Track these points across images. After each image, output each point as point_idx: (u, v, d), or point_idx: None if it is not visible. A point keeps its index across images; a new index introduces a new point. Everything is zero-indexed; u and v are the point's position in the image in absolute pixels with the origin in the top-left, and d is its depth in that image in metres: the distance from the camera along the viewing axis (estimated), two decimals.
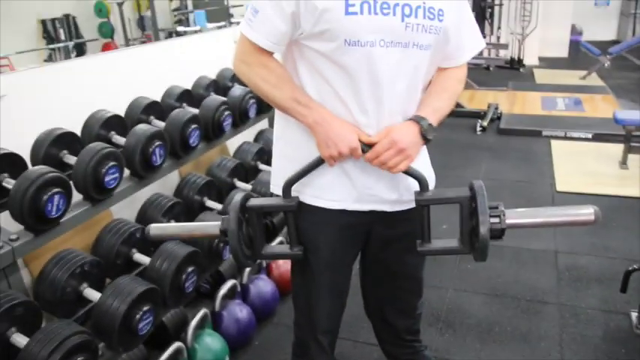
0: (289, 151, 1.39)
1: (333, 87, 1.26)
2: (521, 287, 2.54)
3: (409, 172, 1.24)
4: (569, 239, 2.98)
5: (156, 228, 1.38)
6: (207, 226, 1.39)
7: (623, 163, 4.01)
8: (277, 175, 1.43)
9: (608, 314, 2.34)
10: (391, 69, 1.24)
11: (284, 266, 2.53)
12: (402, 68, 1.25)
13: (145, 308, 1.69)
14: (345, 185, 1.33)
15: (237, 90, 2.67)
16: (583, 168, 4.04)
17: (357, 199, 1.36)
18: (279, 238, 2.43)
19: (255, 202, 1.30)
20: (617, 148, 4.12)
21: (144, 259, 1.95)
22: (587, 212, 1.09)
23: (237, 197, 1.29)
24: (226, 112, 2.48)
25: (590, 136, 4.62)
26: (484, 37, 8.05)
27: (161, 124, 2.25)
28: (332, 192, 1.35)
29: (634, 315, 2.29)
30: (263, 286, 2.37)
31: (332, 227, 1.40)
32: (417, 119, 1.27)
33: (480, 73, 7.49)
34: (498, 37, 8.17)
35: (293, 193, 1.32)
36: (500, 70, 7.74)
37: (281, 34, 1.23)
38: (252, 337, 2.26)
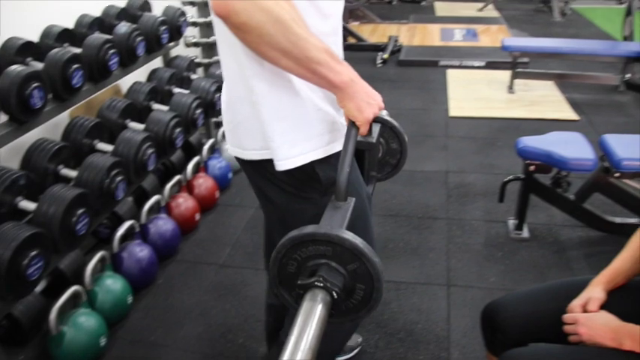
0: (288, 111, 1.07)
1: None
2: (414, 206, 2.71)
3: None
4: (459, 160, 3.18)
5: None
6: None
7: (510, 87, 4.27)
8: (281, 143, 1.08)
9: (489, 223, 2.56)
10: None
11: (184, 204, 2.55)
12: None
13: (33, 254, 1.66)
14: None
15: (122, 27, 2.56)
16: (475, 94, 4.26)
17: None
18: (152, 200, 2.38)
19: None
20: (506, 75, 4.36)
21: (30, 205, 1.89)
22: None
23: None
24: (111, 51, 2.38)
25: (483, 64, 4.85)
26: None
27: (40, 66, 2.13)
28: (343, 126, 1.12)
29: (510, 222, 2.52)
30: (163, 225, 2.37)
31: None
32: None
33: (383, 8, 7.55)
34: None
35: (315, 152, 1.10)
36: (403, 4, 7.83)
37: None
38: (155, 276, 2.28)
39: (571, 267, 2.30)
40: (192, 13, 3.48)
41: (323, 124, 1.11)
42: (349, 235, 0.83)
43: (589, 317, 1.15)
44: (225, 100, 1.18)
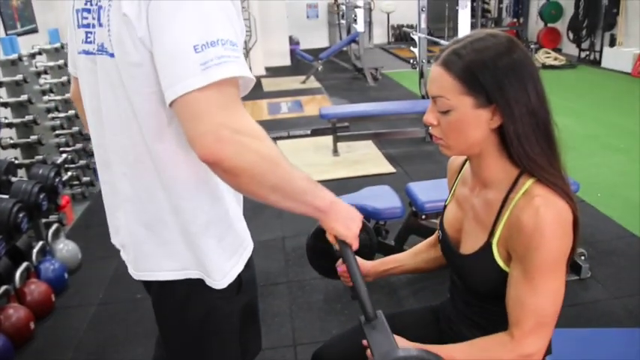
0: (220, 222, 1.05)
1: None
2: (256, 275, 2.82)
3: None
4: (294, 225, 3.38)
5: None
6: None
7: (335, 151, 4.67)
8: (216, 258, 1.04)
9: (327, 279, 2.75)
10: None
11: (15, 315, 2.39)
12: None
13: None
14: None
15: None
16: (303, 161, 4.58)
17: None
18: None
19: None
20: (330, 139, 4.77)
21: None
22: None
23: None
24: None
25: (308, 132, 5.24)
26: None
27: None
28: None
29: None
30: None
31: None
32: None
33: None
34: None
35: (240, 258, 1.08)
36: None
37: None
38: None
39: (402, 305, 2.56)
40: (6, 114, 3.37)
41: (243, 231, 1.12)
42: (416, 352, 0.87)
43: None
44: (134, 205, 1.04)
